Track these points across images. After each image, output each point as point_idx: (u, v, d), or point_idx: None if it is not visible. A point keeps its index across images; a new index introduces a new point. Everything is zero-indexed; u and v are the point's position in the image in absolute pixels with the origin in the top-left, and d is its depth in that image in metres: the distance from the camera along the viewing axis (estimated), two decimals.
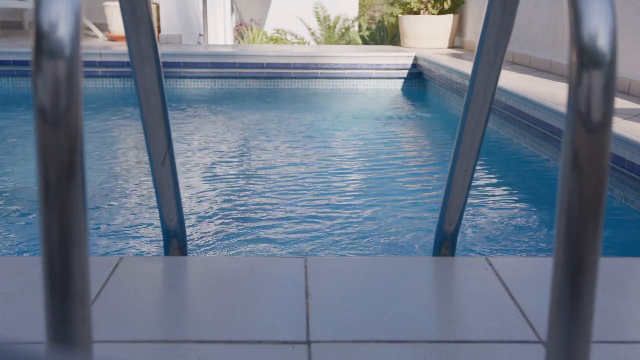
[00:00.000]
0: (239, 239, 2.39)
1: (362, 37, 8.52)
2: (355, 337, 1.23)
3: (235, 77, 6.08)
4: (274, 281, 1.45)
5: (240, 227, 2.51)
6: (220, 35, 8.59)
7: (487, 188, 3.12)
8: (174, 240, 1.58)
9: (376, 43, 8.28)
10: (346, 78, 6.10)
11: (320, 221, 2.57)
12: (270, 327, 1.25)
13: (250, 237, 2.41)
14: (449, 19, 6.89)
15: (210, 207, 2.76)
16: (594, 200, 0.75)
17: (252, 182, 3.26)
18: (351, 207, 2.77)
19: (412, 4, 7.04)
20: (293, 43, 8.79)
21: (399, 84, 6.14)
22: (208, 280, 1.46)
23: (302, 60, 6.04)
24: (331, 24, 8.91)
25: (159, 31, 7.46)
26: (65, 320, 0.68)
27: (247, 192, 3.05)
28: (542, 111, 3.40)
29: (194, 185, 3.09)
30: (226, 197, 2.93)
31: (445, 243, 1.58)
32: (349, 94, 5.93)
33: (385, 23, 8.12)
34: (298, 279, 1.46)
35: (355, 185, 3.18)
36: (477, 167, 1.65)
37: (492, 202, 2.90)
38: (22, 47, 5.98)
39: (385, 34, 8.17)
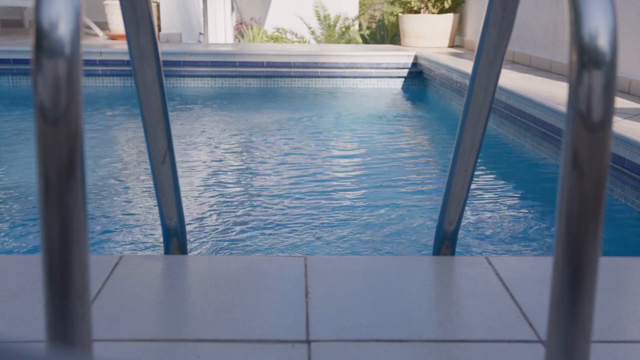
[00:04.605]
0: (238, 237, 2.39)
1: (362, 36, 8.52)
2: (355, 336, 1.23)
3: (236, 76, 6.08)
4: (274, 280, 1.45)
5: (240, 226, 2.51)
6: (220, 34, 8.59)
7: (487, 187, 3.12)
8: (174, 239, 1.58)
9: (376, 42, 8.27)
10: (346, 77, 6.10)
11: (320, 220, 2.57)
12: (270, 326, 1.25)
13: (250, 236, 2.41)
14: (449, 18, 6.89)
15: (211, 206, 2.76)
16: (594, 200, 0.75)
17: (252, 181, 3.26)
18: (351, 206, 2.77)
19: (413, 3, 7.03)
20: (293, 42, 8.79)
21: (399, 83, 6.14)
22: (208, 279, 1.46)
23: (302, 59, 6.04)
24: (331, 23, 8.91)
25: (159, 30, 7.46)
26: (65, 319, 0.68)
27: (247, 191, 3.05)
28: (542, 111, 3.40)
29: (194, 184, 3.09)
30: (226, 196, 2.93)
31: (445, 242, 1.58)
32: (349, 93, 5.92)
33: (386, 22, 8.11)
34: (298, 278, 1.46)
35: (355, 184, 3.18)
36: (477, 167, 1.65)
37: (492, 201, 2.90)
38: (22, 46, 5.97)
39: (386, 33, 8.17)
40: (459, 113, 1.44)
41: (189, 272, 1.51)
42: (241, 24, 9.39)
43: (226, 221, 2.57)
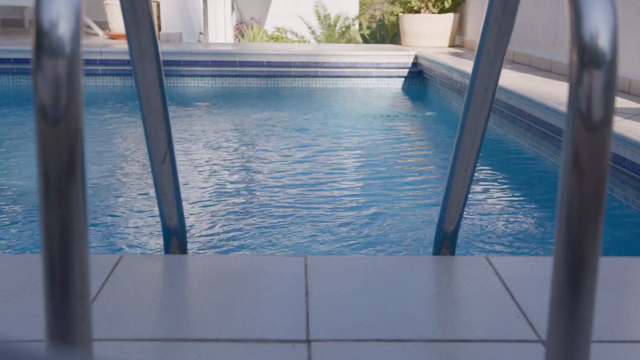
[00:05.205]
0: (239, 237, 2.39)
1: (362, 36, 8.52)
2: (355, 336, 1.23)
3: (236, 76, 6.07)
4: (274, 280, 1.45)
5: (240, 226, 2.51)
6: (220, 33, 8.59)
7: (488, 187, 3.12)
8: (174, 239, 1.58)
9: (376, 42, 8.27)
10: (346, 77, 6.09)
11: (321, 220, 2.57)
12: (270, 326, 1.25)
13: (250, 235, 2.41)
14: (449, 18, 6.88)
15: (211, 206, 2.76)
16: (594, 199, 0.75)
17: (253, 180, 3.26)
18: (351, 205, 2.77)
19: (413, 2, 7.03)
20: (293, 42, 8.78)
21: (399, 83, 6.14)
22: (208, 279, 1.46)
23: (302, 59, 6.04)
24: (332, 23, 8.90)
25: (160, 29, 7.46)
26: (66, 319, 0.68)
27: (248, 191, 3.05)
28: (543, 110, 3.40)
29: (194, 184, 3.09)
30: (226, 196, 2.93)
31: (445, 242, 1.58)
32: (349, 92, 5.92)
33: (386, 22, 8.11)
34: (298, 278, 1.46)
35: (355, 183, 3.18)
36: (478, 167, 1.66)
37: (492, 201, 2.90)
38: (22, 45, 5.97)
39: (386, 33, 8.16)
40: (459, 113, 1.44)
41: (189, 271, 1.51)
42: (241, 23, 9.39)
43: (226, 221, 2.57)
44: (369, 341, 1.21)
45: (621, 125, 2.78)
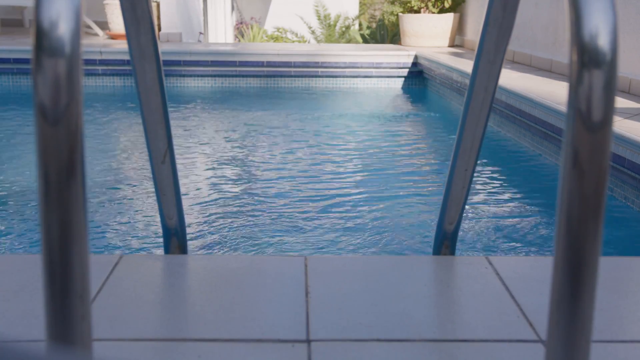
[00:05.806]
0: (239, 237, 2.39)
1: (362, 36, 8.52)
2: (355, 335, 1.23)
3: (236, 76, 6.07)
4: (274, 280, 1.45)
5: (240, 226, 2.51)
6: (220, 33, 8.59)
7: (488, 187, 3.12)
8: (174, 239, 1.58)
9: (376, 42, 8.27)
10: (346, 77, 6.09)
11: (321, 220, 2.57)
12: (270, 326, 1.25)
13: (250, 235, 2.41)
14: (449, 18, 6.88)
15: (211, 206, 2.76)
16: (594, 199, 0.75)
17: (252, 180, 3.26)
18: (351, 205, 2.77)
19: (413, 2, 7.03)
20: (293, 41, 8.78)
21: (399, 83, 6.14)
22: (208, 279, 1.46)
23: (302, 59, 6.04)
24: (332, 23, 8.90)
25: (160, 29, 7.46)
26: (66, 318, 0.68)
27: (247, 191, 3.05)
28: (543, 110, 3.40)
29: (194, 184, 3.09)
30: (226, 196, 2.93)
31: (445, 242, 1.58)
32: (349, 92, 5.92)
33: (386, 22, 8.11)
34: (298, 278, 1.46)
35: (355, 183, 3.18)
36: (478, 166, 1.65)
37: (492, 201, 2.90)
38: (22, 45, 5.97)
39: (386, 33, 8.16)
40: (459, 113, 1.44)
41: (189, 271, 1.51)
42: (241, 23, 9.39)
43: (226, 220, 2.57)
44: (369, 341, 1.21)
45: (621, 125, 2.78)
